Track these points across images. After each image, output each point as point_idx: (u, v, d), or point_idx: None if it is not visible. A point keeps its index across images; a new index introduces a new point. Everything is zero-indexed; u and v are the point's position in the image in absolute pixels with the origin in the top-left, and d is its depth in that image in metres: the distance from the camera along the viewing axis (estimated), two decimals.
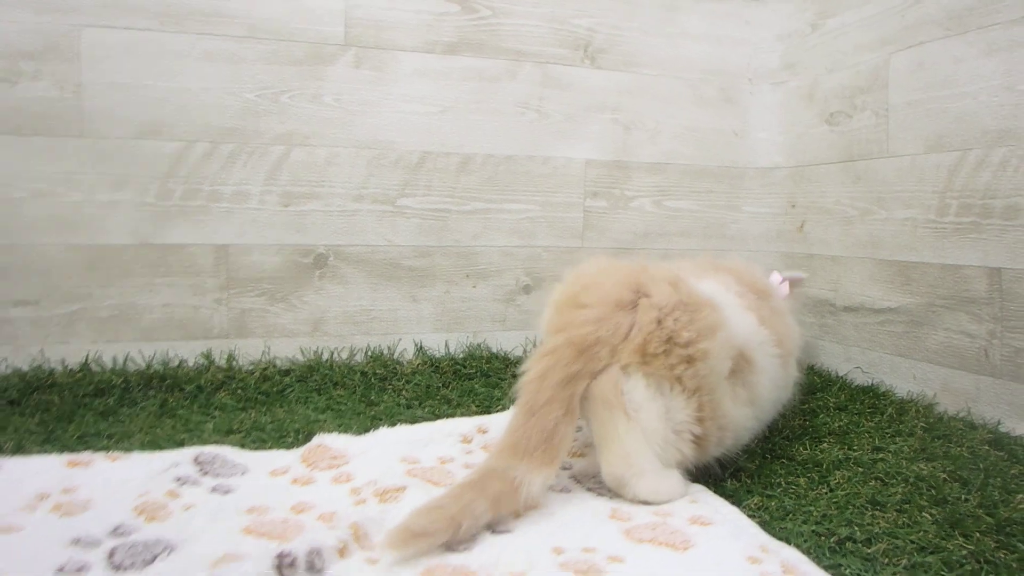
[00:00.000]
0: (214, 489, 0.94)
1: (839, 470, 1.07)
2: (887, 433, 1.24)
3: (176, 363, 1.53)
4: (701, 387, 0.96)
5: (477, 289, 1.74)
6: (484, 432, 1.18)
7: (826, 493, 1.00)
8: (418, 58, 1.66)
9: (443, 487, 0.93)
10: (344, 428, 1.21)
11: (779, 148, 1.86)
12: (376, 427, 1.19)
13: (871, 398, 1.45)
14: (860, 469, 1.08)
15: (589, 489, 0.99)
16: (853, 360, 1.62)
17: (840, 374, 1.64)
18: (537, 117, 1.75)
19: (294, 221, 1.61)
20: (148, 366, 1.50)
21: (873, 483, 1.03)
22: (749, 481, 1.05)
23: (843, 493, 1.00)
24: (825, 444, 1.19)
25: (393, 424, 1.19)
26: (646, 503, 0.93)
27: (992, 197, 1.31)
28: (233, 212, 1.56)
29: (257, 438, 1.18)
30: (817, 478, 1.05)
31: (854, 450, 1.16)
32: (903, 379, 1.50)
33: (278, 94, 1.58)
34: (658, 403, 0.94)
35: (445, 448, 1.12)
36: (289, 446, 1.14)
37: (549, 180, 1.77)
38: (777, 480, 1.05)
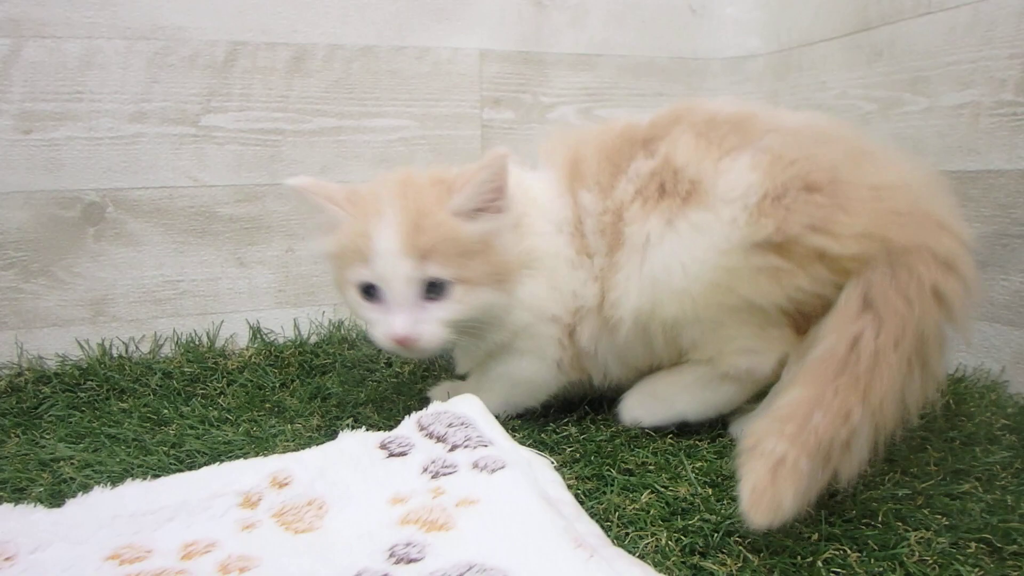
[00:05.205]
0: None
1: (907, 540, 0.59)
2: (957, 440, 0.77)
3: None
4: None
5: None
6: (283, 485, 0.66)
7: None
8: None
9: None
10: (92, 472, 0.76)
11: (755, 26, 1.34)
12: (147, 464, 0.77)
13: None
14: (942, 542, 0.59)
15: None
16: None
17: None
18: None
19: (43, 155, 1.08)
20: None
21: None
22: None
23: None
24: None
25: (178, 460, 0.78)
26: None
27: None
28: None
29: None
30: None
31: (916, 480, 0.68)
32: (951, 348, 1.02)
33: None
34: None
35: (206, 523, 0.61)
36: None
37: (429, 82, 1.24)
38: None
